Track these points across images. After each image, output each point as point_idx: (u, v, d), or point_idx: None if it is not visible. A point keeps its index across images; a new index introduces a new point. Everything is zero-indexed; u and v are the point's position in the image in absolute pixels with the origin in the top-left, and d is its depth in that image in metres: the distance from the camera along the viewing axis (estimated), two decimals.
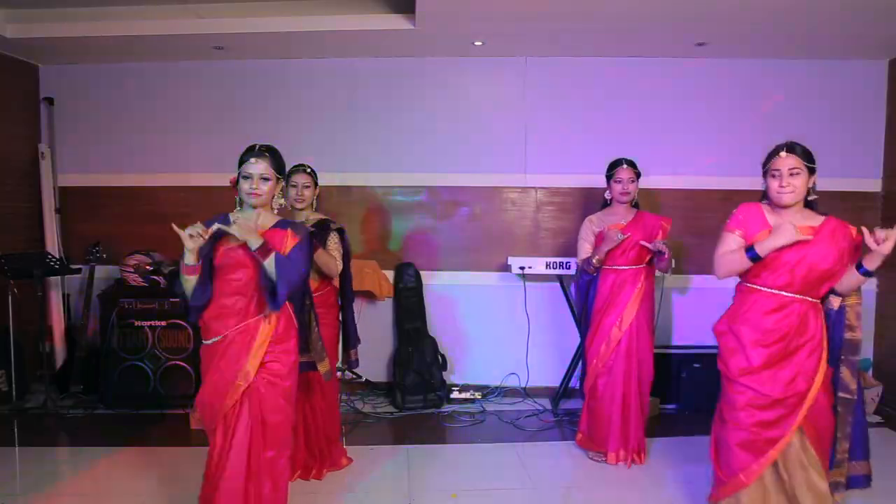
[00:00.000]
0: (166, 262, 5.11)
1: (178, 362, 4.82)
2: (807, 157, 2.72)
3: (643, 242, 3.82)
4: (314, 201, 3.63)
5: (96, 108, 5.37)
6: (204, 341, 2.74)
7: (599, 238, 3.92)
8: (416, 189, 5.31)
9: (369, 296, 5.09)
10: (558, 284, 5.06)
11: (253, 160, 2.69)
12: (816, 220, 2.75)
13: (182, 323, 4.82)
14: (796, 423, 2.71)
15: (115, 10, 4.57)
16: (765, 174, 2.79)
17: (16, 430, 4.47)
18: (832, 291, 2.78)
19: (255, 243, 2.56)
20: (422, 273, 5.18)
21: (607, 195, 4.01)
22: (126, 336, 4.83)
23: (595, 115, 5.18)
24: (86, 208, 5.39)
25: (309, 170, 3.59)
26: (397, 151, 5.25)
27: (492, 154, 5.23)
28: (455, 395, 5.12)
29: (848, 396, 2.80)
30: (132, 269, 4.97)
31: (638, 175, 3.97)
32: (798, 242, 2.64)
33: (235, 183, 2.73)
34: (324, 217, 3.64)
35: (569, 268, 4.91)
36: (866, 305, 5.12)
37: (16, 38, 4.72)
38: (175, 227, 2.59)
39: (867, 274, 2.71)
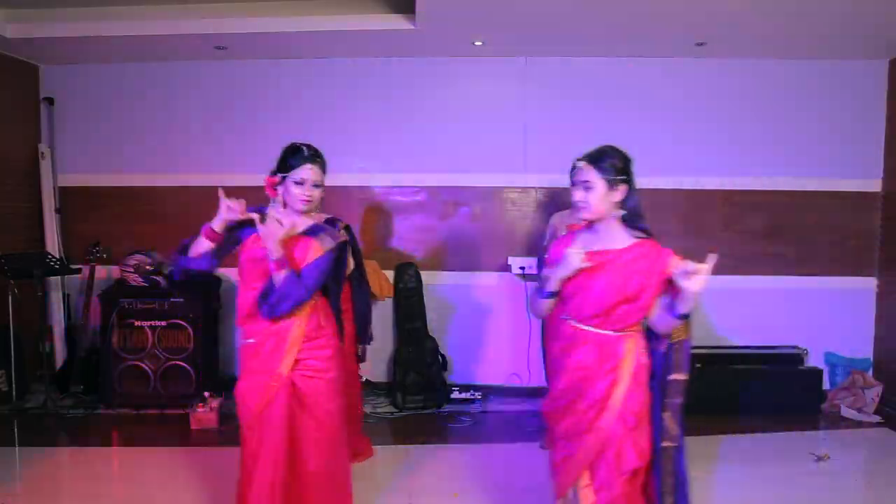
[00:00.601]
0: (166, 262, 5.11)
1: (178, 362, 4.81)
2: (603, 168, 2.34)
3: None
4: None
5: (97, 108, 5.37)
6: (243, 340, 2.70)
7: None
8: (416, 189, 5.31)
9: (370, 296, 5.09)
10: None
11: (309, 166, 2.64)
12: (624, 241, 2.36)
13: (182, 323, 4.82)
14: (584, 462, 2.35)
15: (115, 10, 4.56)
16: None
17: (16, 429, 4.47)
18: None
19: (275, 253, 2.50)
20: (422, 273, 5.18)
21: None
22: (126, 336, 4.83)
23: (595, 114, 5.17)
24: (86, 208, 5.39)
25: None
26: (397, 151, 5.25)
27: (492, 154, 5.23)
28: (455, 395, 5.11)
29: (671, 444, 2.44)
30: (132, 269, 4.97)
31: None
32: (583, 270, 2.29)
33: (277, 183, 2.66)
34: (330, 216, 3.65)
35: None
36: (867, 305, 5.21)
37: (16, 39, 4.72)
38: (220, 193, 2.61)
39: (682, 317, 2.29)
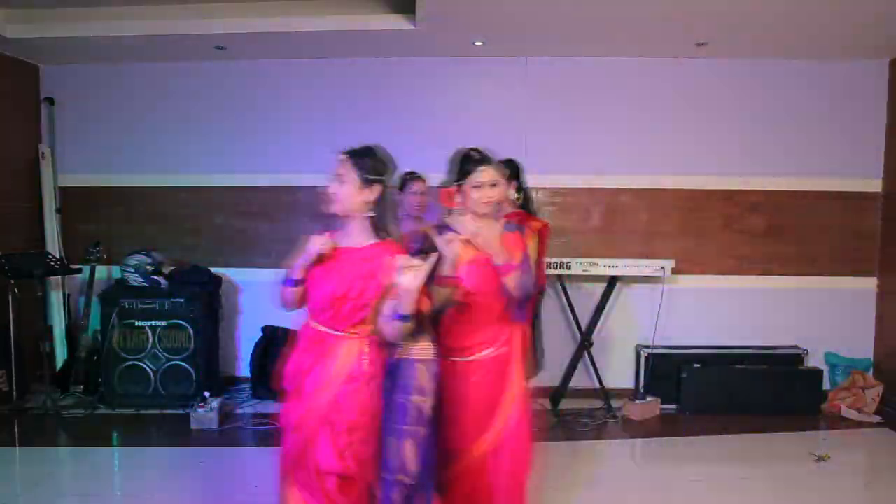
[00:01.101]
0: (166, 262, 5.11)
1: (178, 362, 4.81)
2: (360, 165, 2.35)
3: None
4: None
5: (97, 108, 5.37)
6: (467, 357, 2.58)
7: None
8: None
9: None
10: (558, 284, 5.05)
11: (482, 168, 2.64)
12: (365, 241, 2.34)
13: (183, 323, 4.82)
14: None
15: (115, 11, 4.56)
16: None
17: (16, 429, 4.46)
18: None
19: (499, 259, 2.52)
20: None
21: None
22: (126, 336, 4.83)
23: (595, 115, 5.17)
24: (86, 208, 5.39)
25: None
26: (398, 151, 5.14)
27: (492, 154, 5.21)
28: None
29: (404, 479, 2.26)
30: (132, 269, 4.97)
31: (509, 178, 3.95)
32: (321, 264, 2.28)
33: (454, 193, 2.64)
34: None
35: (569, 268, 4.90)
36: (867, 306, 5.21)
37: (16, 39, 4.72)
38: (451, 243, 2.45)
39: (403, 319, 2.16)
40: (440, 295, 2.41)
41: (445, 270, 2.41)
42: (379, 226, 2.37)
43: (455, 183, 2.67)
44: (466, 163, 2.69)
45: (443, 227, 2.60)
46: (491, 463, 2.57)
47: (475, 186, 2.62)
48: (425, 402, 2.34)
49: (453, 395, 2.50)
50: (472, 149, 2.72)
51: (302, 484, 2.28)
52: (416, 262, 2.17)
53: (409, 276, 2.13)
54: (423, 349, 2.37)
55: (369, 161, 2.38)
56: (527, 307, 2.66)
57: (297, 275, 2.32)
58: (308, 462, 2.26)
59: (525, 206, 4.05)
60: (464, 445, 2.54)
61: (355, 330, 2.28)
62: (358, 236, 2.35)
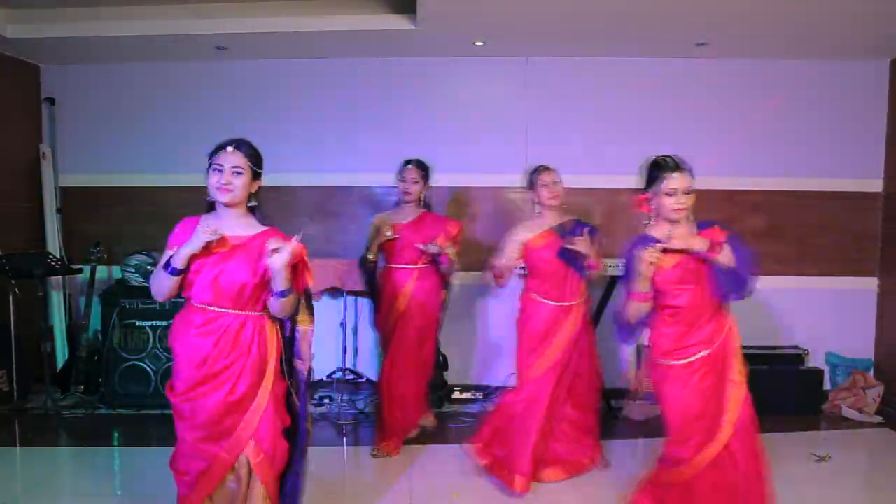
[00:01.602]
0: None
1: None
2: (250, 157, 2.51)
3: (417, 244, 3.91)
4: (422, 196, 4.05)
5: (97, 108, 5.38)
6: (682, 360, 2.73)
7: (378, 233, 4.04)
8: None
9: None
10: None
11: (676, 175, 2.71)
12: (255, 229, 2.50)
13: None
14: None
15: (116, 11, 4.57)
16: None
17: (17, 430, 4.47)
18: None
19: (701, 246, 2.65)
20: None
21: (397, 195, 4.15)
22: (127, 336, 4.83)
23: (596, 114, 5.18)
24: (87, 208, 5.39)
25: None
26: (398, 151, 5.21)
27: (493, 154, 5.23)
28: (456, 395, 5.12)
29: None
30: (133, 269, 4.98)
31: (424, 177, 4.05)
32: (213, 252, 2.39)
33: (648, 199, 2.78)
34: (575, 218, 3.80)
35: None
36: (868, 306, 5.20)
37: (17, 39, 4.72)
38: (643, 258, 2.62)
39: (281, 294, 2.38)
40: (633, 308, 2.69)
41: (638, 286, 2.64)
42: (260, 215, 2.54)
43: (646, 189, 2.75)
44: (657, 169, 2.75)
45: (644, 238, 2.71)
46: (728, 462, 2.66)
47: (667, 193, 2.68)
48: (304, 366, 2.61)
49: (673, 399, 2.68)
50: (666, 156, 2.79)
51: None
52: (282, 243, 2.33)
53: (279, 257, 2.30)
54: (303, 318, 2.58)
55: (257, 155, 2.54)
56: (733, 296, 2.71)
57: (180, 264, 2.38)
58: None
59: (428, 208, 4.13)
60: (691, 453, 2.65)
61: (256, 310, 2.47)
62: (245, 226, 2.50)
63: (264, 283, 2.42)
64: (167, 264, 2.40)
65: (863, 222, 5.19)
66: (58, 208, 5.34)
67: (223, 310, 2.42)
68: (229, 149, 2.48)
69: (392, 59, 5.20)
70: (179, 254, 2.37)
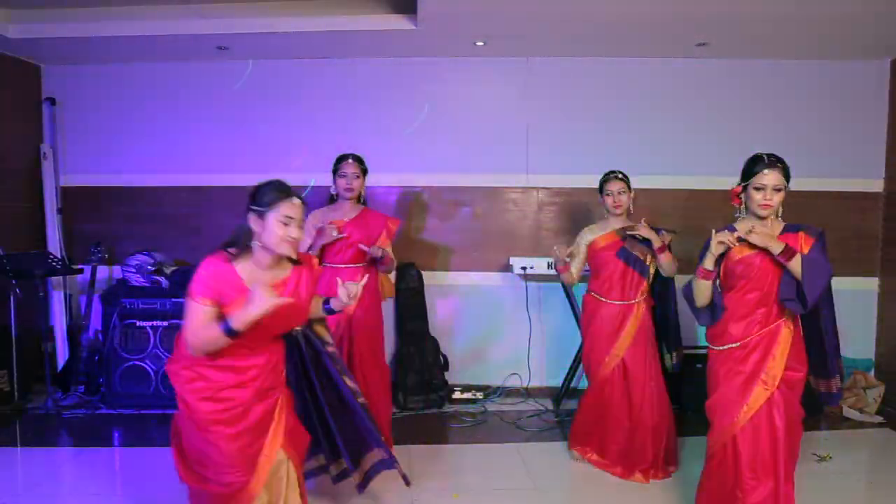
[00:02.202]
0: (168, 262, 5.11)
1: None
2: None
3: (361, 245, 3.75)
4: (362, 192, 3.90)
5: (99, 108, 5.38)
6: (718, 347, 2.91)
7: (319, 233, 3.79)
8: (418, 189, 5.31)
9: None
10: (560, 285, 5.06)
11: (767, 171, 2.79)
12: (285, 271, 2.52)
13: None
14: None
15: (117, 11, 4.57)
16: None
17: (17, 430, 4.47)
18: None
19: (776, 248, 2.69)
20: (423, 273, 5.18)
21: (332, 190, 3.92)
22: (128, 336, 4.83)
23: (597, 115, 5.18)
24: (88, 208, 5.40)
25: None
26: (399, 151, 5.25)
27: (493, 154, 5.23)
28: (456, 395, 5.12)
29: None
30: (134, 269, 4.98)
31: (364, 171, 3.91)
32: (277, 306, 2.30)
33: (739, 192, 2.87)
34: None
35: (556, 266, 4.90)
36: (868, 306, 5.20)
37: (18, 39, 4.73)
38: (715, 236, 2.79)
39: (330, 312, 2.76)
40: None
41: (704, 263, 2.89)
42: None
43: (741, 182, 2.85)
44: (752, 164, 2.85)
45: (728, 229, 2.86)
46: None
47: (756, 188, 2.78)
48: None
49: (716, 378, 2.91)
50: (765, 154, 2.91)
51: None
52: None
53: (352, 295, 2.62)
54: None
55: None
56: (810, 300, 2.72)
57: (243, 328, 2.29)
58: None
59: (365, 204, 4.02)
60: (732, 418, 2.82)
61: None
62: (280, 265, 2.51)
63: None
64: (227, 326, 2.27)
65: (863, 222, 5.19)
66: (59, 208, 5.34)
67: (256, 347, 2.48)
68: (296, 201, 2.48)
69: (392, 59, 5.20)
70: (246, 318, 2.26)
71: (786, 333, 2.78)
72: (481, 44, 4.85)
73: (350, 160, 3.86)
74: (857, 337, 5.19)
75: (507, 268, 5.11)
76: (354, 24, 4.51)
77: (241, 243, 2.41)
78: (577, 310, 5.07)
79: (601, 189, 3.89)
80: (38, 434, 4.36)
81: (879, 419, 4.72)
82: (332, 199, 3.96)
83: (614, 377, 3.75)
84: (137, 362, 4.82)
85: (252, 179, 2.73)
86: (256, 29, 4.56)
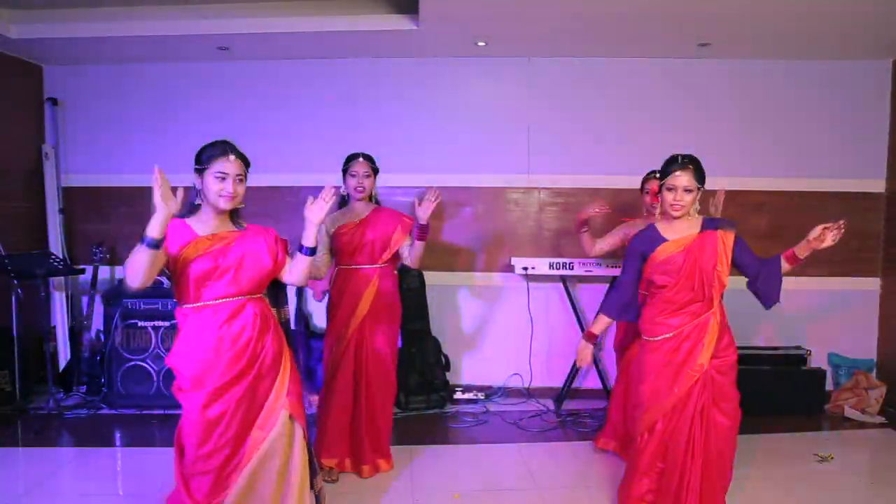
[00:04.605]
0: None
1: None
2: (246, 164, 2.70)
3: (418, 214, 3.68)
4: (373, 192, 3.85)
5: (100, 108, 5.38)
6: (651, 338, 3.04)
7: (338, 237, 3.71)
8: (419, 189, 5.29)
9: None
10: (561, 285, 5.06)
11: (678, 173, 2.93)
12: (237, 227, 2.70)
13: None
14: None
15: (118, 11, 4.57)
16: None
17: (19, 430, 4.47)
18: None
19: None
20: (425, 273, 5.18)
21: (342, 190, 3.83)
22: (129, 336, 4.84)
23: (598, 115, 5.18)
24: (89, 208, 5.40)
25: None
26: (400, 152, 5.24)
27: (495, 154, 5.23)
28: (458, 395, 5.12)
29: None
30: None
31: (375, 171, 3.84)
32: (212, 251, 2.57)
33: (657, 192, 3.05)
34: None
35: (572, 268, 4.90)
36: (870, 306, 5.20)
37: (20, 39, 4.73)
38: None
39: (311, 252, 2.70)
40: None
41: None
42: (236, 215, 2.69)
43: (659, 182, 2.98)
44: (668, 165, 2.96)
45: (650, 227, 3.06)
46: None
47: (668, 189, 2.91)
48: None
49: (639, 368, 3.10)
50: (679, 154, 3.01)
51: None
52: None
53: (316, 207, 2.63)
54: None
55: (246, 157, 2.68)
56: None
57: (158, 233, 2.50)
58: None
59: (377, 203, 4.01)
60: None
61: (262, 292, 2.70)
62: (227, 224, 2.66)
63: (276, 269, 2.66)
64: (142, 238, 2.43)
65: (865, 223, 5.19)
66: (60, 208, 5.34)
67: (243, 297, 2.57)
68: (232, 157, 2.63)
69: (394, 59, 5.20)
70: (153, 224, 2.42)
71: (713, 323, 2.97)
72: (482, 44, 4.84)
73: (360, 159, 3.80)
74: (858, 337, 5.20)
75: (509, 268, 5.11)
76: (355, 24, 4.51)
77: (191, 201, 2.61)
78: (579, 310, 5.08)
79: (641, 187, 4.09)
80: (39, 434, 4.36)
81: (881, 420, 4.72)
82: (344, 201, 3.86)
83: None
84: (139, 362, 4.82)
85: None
86: (256, 29, 4.57)
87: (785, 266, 3.05)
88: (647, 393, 3.02)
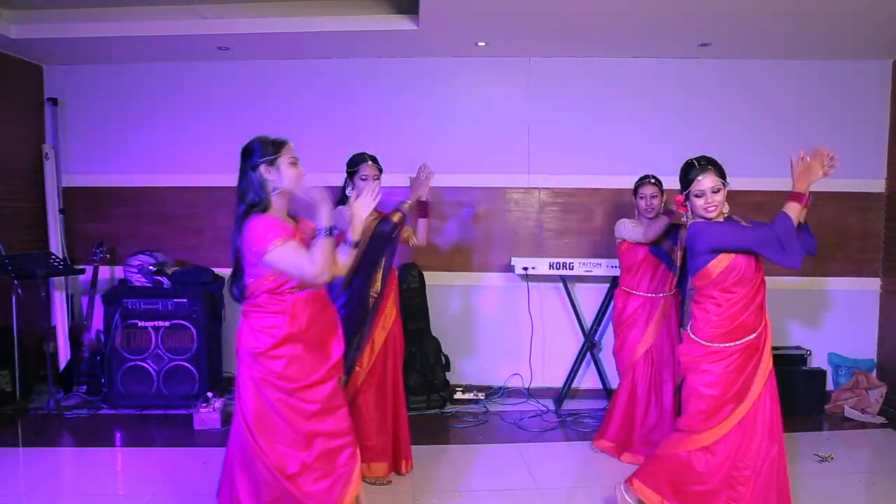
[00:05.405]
0: (169, 262, 5.11)
1: (181, 363, 4.82)
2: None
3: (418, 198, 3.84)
4: None
5: (100, 108, 5.38)
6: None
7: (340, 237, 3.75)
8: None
9: None
10: (562, 285, 5.06)
11: (701, 176, 2.89)
12: (293, 220, 2.74)
13: (185, 323, 4.82)
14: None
15: (119, 11, 4.58)
16: None
17: (19, 430, 4.47)
18: None
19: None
20: (425, 273, 5.17)
21: (349, 192, 3.86)
22: (129, 336, 4.84)
23: (598, 115, 5.18)
24: (90, 208, 5.40)
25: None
26: (400, 152, 5.23)
27: (495, 154, 5.23)
28: (458, 395, 5.12)
29: None
30: (135, 269, 4.98)
31: (380, 171, 3.89)
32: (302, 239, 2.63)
33: (684, 201, 2.97)
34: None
35: (572, 268, 4.90)
36: (870, 306, 5.20)
37: (20, 39, 4.73)
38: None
39: (356, 245, 2.72)
40: None
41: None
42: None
43: (682, 192, 2.95)
44: (687, 172, 2.94)
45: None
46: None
47: (696, 195, 2.89)
48: None
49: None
50: (695, 158, 2.98)
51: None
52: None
53: (364, 201, 2.64)
54: None
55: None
56: None
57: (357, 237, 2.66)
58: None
59: None
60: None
61: None
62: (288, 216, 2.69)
63: None
64: (346, 239, 2.61)
65: (865, 223, 5.19)
66: (61, 208, 5.34)
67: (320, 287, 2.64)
68: (291, 143, 2.67)
69: (394, 59, 5.20)
70: (356, 229, 2.61)
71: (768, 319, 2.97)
72: (483, 44, 4.84)
73: (369, 162, 3.83)
74: (859, 337, 5.20)
75: (509, 268, 5.11)
76: (355, 24, 4.51)
77: (261, 197, 2.56)
78: (579, 310, 5.08)
79: (634, 191, 4.08)
80: (39, 434, 4.36)
81: (882, 420, 4.71)
82: (343, 199, 3.84)
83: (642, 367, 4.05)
84: (139, 362, 4.82)
85: None
86: (256, 29, 4.57)
87: (795, 207, 2.97)
88: (712, 405, 2.88)
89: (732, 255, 2.84)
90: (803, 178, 2.94)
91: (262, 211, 2.55)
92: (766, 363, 2.91)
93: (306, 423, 2.53)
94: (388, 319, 3.72)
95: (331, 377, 2.61)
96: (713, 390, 2.86)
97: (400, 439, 3.78)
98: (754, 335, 2.87)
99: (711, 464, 2.87)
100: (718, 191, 2.89)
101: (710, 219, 2.91)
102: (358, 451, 2.68)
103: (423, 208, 3.80)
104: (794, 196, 2.95)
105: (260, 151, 2.61)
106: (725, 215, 2.97)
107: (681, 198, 2.94)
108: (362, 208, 2.64)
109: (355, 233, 2.63)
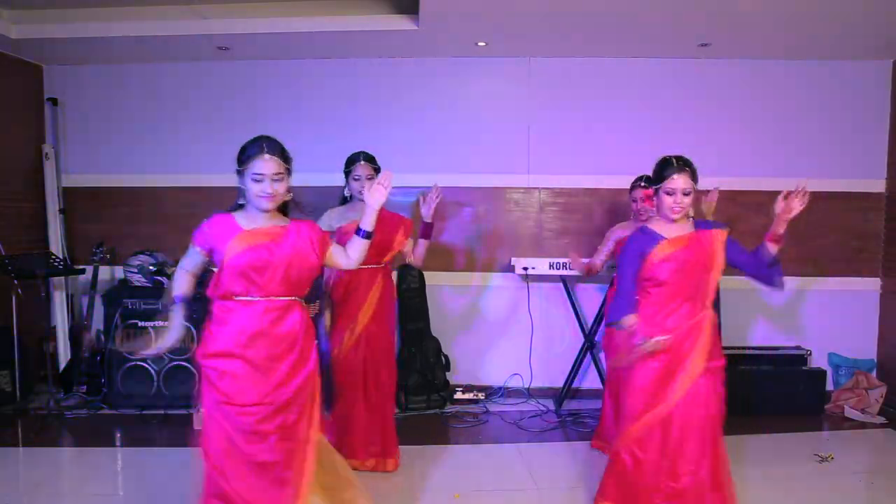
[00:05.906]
0: (169, 262, 5.11)
1: (181, 363, 4.81)
2: (286, 160, 2.71)
3: (423, 212, 3.82)
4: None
5: (100, 108, 5.38)
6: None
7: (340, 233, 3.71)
8: (419, 189, 5.29)
9: None
10: (562, 285, 5.05)
11: (675, 176, 2.93)
12: (283, 222, 2.73)
13: (185, 323, 4.80)
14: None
15: (119, 11, 4.58)
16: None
17: (19, 430, 4.47)
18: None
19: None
20: (425, 274, 5.17)
21: (346, 192, 3.87)
22: (129, 336, 4.83)
23: (598, 115, 5.18)
24: (90, 209, 5.40)
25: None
26: (400, 152, 5.23)
27: (495, 155, 5.23)
28: (458, 395, 5.12)
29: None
30: (135, 270, 4.98)
31: (377, 171, 3.80)
32: (259, 245, 2.63)
33: (652, 196, 3.05)
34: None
35: (572, 268, 4.89)
36: (871, 306, 5.20)
37: (20, 39, 4.74)
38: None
39: (368, 236, 2.76)
40: None
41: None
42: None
43: (653, 186, 2.95)
44: (662, 168, 2.95)
45: (643, 229, 2.99)
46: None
47: (667, 192, 2.89)
48: None
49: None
50: (673, 156, 3.00)
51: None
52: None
53: (378, 190, 2.67)
54: None
55: (286, 153, 2.68)
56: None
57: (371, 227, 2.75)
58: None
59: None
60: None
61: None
62: (274, 218, 2.67)
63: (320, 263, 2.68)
64: (359, 230, 2.70)
65: (865, 223, 5.19)
66: (61, 208, 5.34)
67: (283, 298, 2.63)
68: (267, 156, 2.58)
69: (394, 59, 5.20)
70: (368, 220, 2.68)
71: (707, 325, 2.92)
72: (483, 44, 4.84)
73: (362, 162, 3.82)
74: (858, 337, 5.20)
75: (509, 268, 5.11)
76: (355, 24, 4.51)
77: (240, 198, 2.63)
78: (579, 310, 5.08)
79: (630, 192, 4.07)
80: (39, 434, 4.36)
81: (882, 420, 4.72)
82: (345, 199, 3.89)
83: None
84: (139, 362, 4.81)
85: None
86: (256, 29, 4.57)
87: (772, 247, 3.06)
88: (639, 399, 2.92)
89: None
90: (785, 218, 3.04)
91: (233, 211, 2.64)
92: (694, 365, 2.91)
93: (240, 437, 2.59)
94: (364, 315, 3.72)
95: (271, 402, 2.55)
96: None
97: (386, 439, 3.79)
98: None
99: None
100: (689, 193, 2.91)
101: (674, 220, 2.91)
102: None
103: (426, 229, 3.82)
104: (776, 238, 3.13)
105: (238, 156, 2.65)
106: (690, 217, 3.03)
107: (650, 192, 2.95)
108: (374, 199, 2.68)
109: (370, 224, 2.69)
